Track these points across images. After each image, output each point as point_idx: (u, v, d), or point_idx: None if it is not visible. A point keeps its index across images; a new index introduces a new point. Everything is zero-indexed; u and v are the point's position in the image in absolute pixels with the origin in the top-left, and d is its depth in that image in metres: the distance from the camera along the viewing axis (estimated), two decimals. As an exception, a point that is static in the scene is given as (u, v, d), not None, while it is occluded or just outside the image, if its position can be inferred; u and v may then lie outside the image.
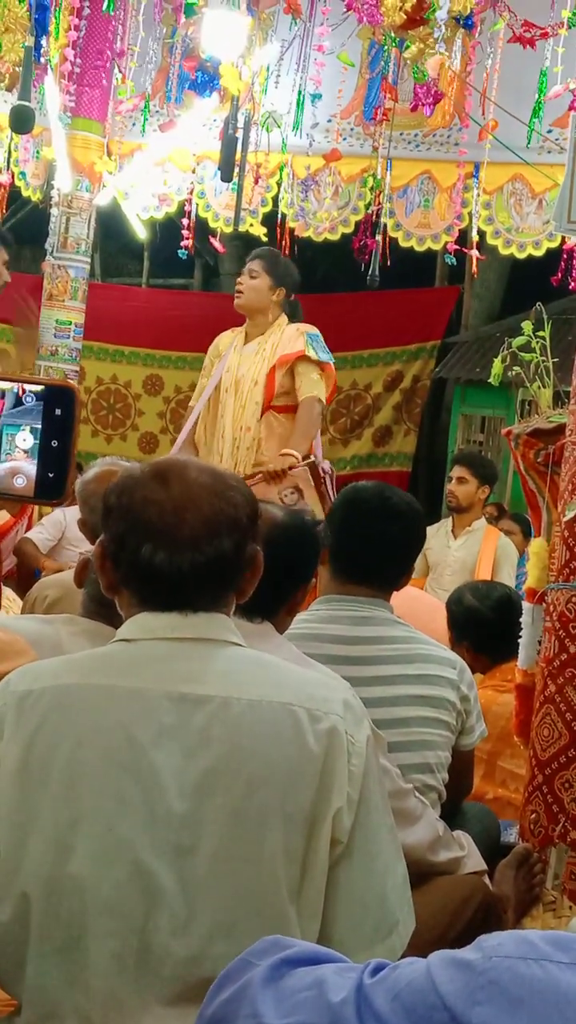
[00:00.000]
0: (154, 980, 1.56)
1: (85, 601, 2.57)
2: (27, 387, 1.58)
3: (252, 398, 5.35)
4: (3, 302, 5.16)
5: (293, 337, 5.36)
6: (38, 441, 1.56)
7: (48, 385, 1.59)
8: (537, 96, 5.80)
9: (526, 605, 3.05)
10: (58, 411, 1.57)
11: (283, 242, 7.12)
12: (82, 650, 2.16)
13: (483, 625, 3.71)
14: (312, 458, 5.24)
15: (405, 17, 5.18)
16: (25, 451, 1.57)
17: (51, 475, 1.57)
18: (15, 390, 1.58)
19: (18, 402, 1.58)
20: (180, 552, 1.66)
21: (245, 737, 1.62)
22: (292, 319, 5.49)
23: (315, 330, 5.41)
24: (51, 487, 1.58)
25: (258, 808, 1.59)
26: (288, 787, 1.61)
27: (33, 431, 1.57)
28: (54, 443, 1.57)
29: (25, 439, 1.57)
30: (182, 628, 1.69)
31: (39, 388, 1.58)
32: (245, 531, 1.72)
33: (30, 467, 1.57)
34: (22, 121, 5.40)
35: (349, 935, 1.65)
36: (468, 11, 5.35)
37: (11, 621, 2.70)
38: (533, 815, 2.76)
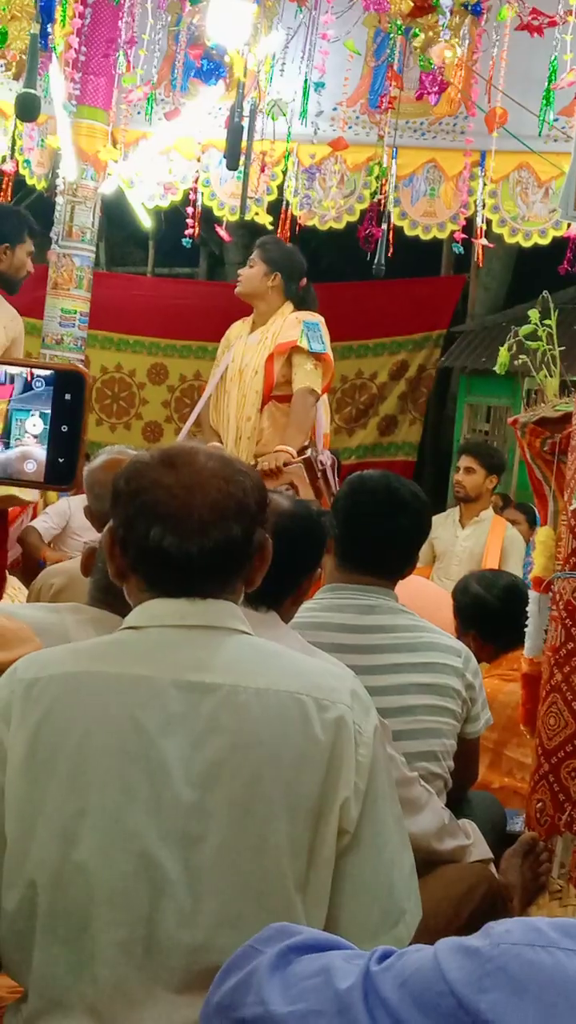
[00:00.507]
0: (160, 969, 1.56)
1: (91, 590, 2.57)
2: (37, 372, 1.57)
3: (253, 387, 5.35)
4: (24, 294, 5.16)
5: (291, 326, 5.33)
6: (47, 426, 1.56)
7: (58, 370, 1.58)
8: (547, 84, 5.77)
9: (532, 594, 3.05)
10: (67, 396, 1.57)
11: (288, 231, 7.10)
12: (88, 638, 2.16)
13: (489, 614, 3.70)
14: (308, 452, 5.16)
15: (412, 5, 5.17)
16: (35, 436, 1.56)
17: (61, 460, 1.57)
18: (23, 375, 1.57)
19: (27, 387, 1.57)
20: (189, 536, 1.65)
21: (252, 726, 1.62)
22: (302, 305, 5.42)
23: (316, 318, 5.35)
24: (61, 472, 1.57)
25: (265, 797, 1.59)
26: (295, 776, 1.61)
27: (43, 416, 1.56)
28: (64, 428, 1.56)
29: (35, 424, 1.56)
30: (190, 615, 1.69)
31: (48, 373, 1.57)
32: (254, 517, 1.72)
33: (40, 452, 1.56)
34: (27, 109, 5.39)
35: (355, 925, 1.65)
36: (475, -1, 5.34)
37: (18, 609, 2.70)
38: (539, 804, 2.76)
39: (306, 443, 5.24)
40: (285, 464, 5.00)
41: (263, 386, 5.33)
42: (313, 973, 1.16)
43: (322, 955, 1.19)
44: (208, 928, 1.56)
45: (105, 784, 1.58)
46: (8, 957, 1.64)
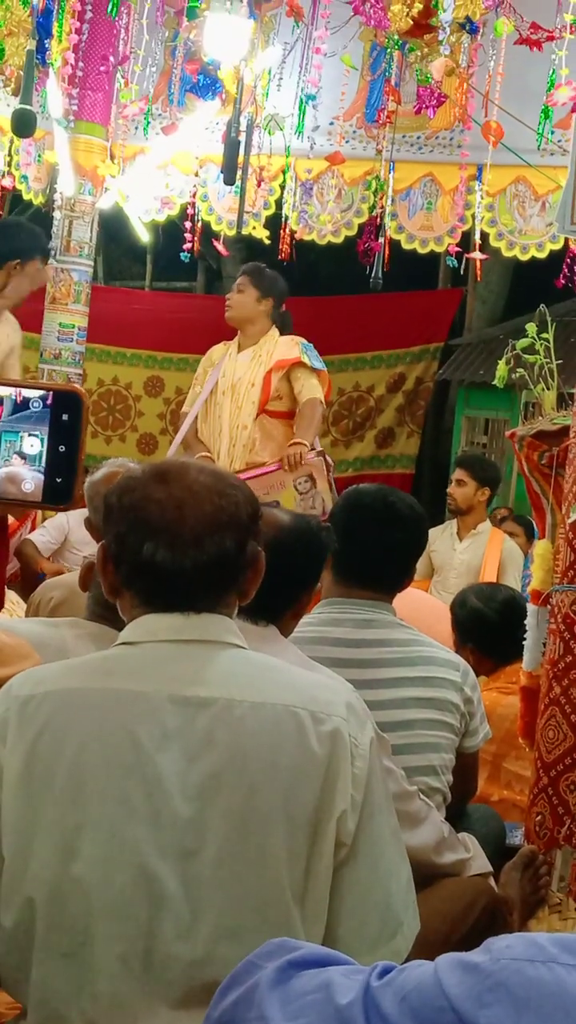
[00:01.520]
0: (160, 984, 1.56)
1: (90, 604, 2.57)
2: (34, 392, 1.57)
3: (249, 398, 5.70)
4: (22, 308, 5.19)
5: (288, 345, 5.74)
6: (44, 447, 1.56)
7: (55, 390, 1.58)
8: (545, 98, 5.78)
9: (531, 607, 3.05)
10: (65, 416, 1.57)
11: (287, 245, 7.13)
12: (87, 653, 2.16)
13: (487, 627, 3.70)
14: (321, 448, 5.63)
15: (412, 23, 5.19)
16: (23, 456, 1.56)
17: (59, 480, 1.57)
18: (13, 396, 1.57)
19: (16, 408, 1.57)
20: (182, 550, 1.66)
21: (248, 739, 1.62)
22: (283, 331, 5.84)
23: (307, 341, 5.78)
24: (60, 492, 1.58)
25: (261, 811, 1.59)
26: (291, 789, 1.61)
27: (31, 435, 1.56)
28: (61, 448, 1.56)
29: (33, 445, 1.56)
30: (185, 630, 1.69)
31: (45, 393, 1.57)
32: (247, 530, 1.72)
33: (29, 473, 1.56)
34: (23, 125, 5.40)
35: (353, 937, 1.65)
36: (476, 16, 5.36)
37: (16, 624, 2.70)
38: (538, 817, 2.75)
39: (319, 449, 5.65)
40: (301, 456, 5.42)
41: (259, 397, 5.68)
42: (313, 989, 1.15)
43: (322, 970, 1.19)
44: (207, 941, 1.56)
45: (102, 799, 1.58)
46: (7, 974, 1.64)
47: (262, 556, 1.78)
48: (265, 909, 1.58)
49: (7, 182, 7.35)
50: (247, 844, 1.59)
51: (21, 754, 1.62)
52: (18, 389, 1.58)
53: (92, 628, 2.50)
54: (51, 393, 1.58)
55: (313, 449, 5.56)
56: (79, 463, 1.57)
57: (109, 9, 5.79)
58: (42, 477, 1.56)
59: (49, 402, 1.57)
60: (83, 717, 1.63)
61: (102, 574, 1.76)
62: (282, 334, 5.80)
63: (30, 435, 1.56)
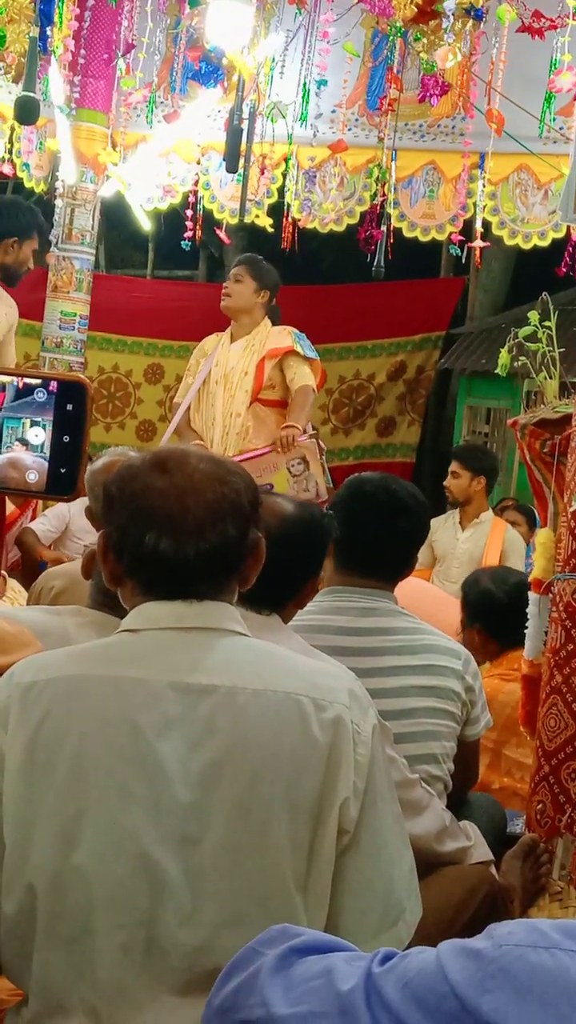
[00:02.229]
0: (161, 971, 1.56)
1: (92, 592, 2.57)
2: (37, 381, 1.57)
3: (242, 387, 5.88)
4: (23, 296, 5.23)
5: (281, 334, 5.91)
6: (49, 436, 1.56)
7: (60, 380, 1.58)
8: (548, 86, 5.76)
9: (532, 596, 3.05)
10: (70, 406, 1.57)
11: (290, 233, 7.11)
12: (89, 641, 2.17)
13: (496, 609, 3.72)
14: (314, 431, 5.83)
15: (416, 10, 5.17)
16: (26, 444, 1.56)
17: (63, 470, 1.57)
18: (15, 383, 1.57)
19: (19, 394, 1.57)
20: (185, 539, 1.66)
21: (250, 727, 1.62)
22: (274, 317, 6.02)
23: (299, 331, 5.96)
24: (63, 482, 1.58)
25: (263, 798, 1.60)
26: (294, 777, 1.61)
27: (34, 424, 1.56)
28: (66, 438, 1.56)
29: (37, 434, 1.56)
30: (187, 617, 1.69)
31: (51, 382, 1.57)
32: (248, 517, 1.72)
33: (31, 460, 1.56)
34: (26, 112, 5.39)
35: (356, 924, 1.66)
36: (480, 2, 5.34)
37: (18, 612, 2.70)
38: (539, 805, 2.76)
39: (311, 431, 5.80)
40: (294, 438, 5.56)
41: (253, 386, 5.85)
42: (315, 975, 1.16)
43: (324, 957, 1.19)
44: (208, 928, 1.57)
45: (103, 787, 1.58)
46: (8, 961, 1.64)
47: (262, 542, 1.78)
48: (267, 897, 1.59)
49: (7, 169, 7.32)
50: (249, 832, 1.59)
51: (23, 741, 1.62)
52: (20, 376, 1.58)
53: (94, 616, 2.50)
54: (56, 383, 1.58)
55: (305, 432, 5.68)
56: (83, 453, 1.58)
57: (110, -4, 5.77)
58: (46, 466, 1.56)
59: (53, 389, 1.57)
60: (84, 704, 1.63)
61: (103, 563, 1.76)
62: (272, 322, 5.97)
63: (34, 424, 1.56)
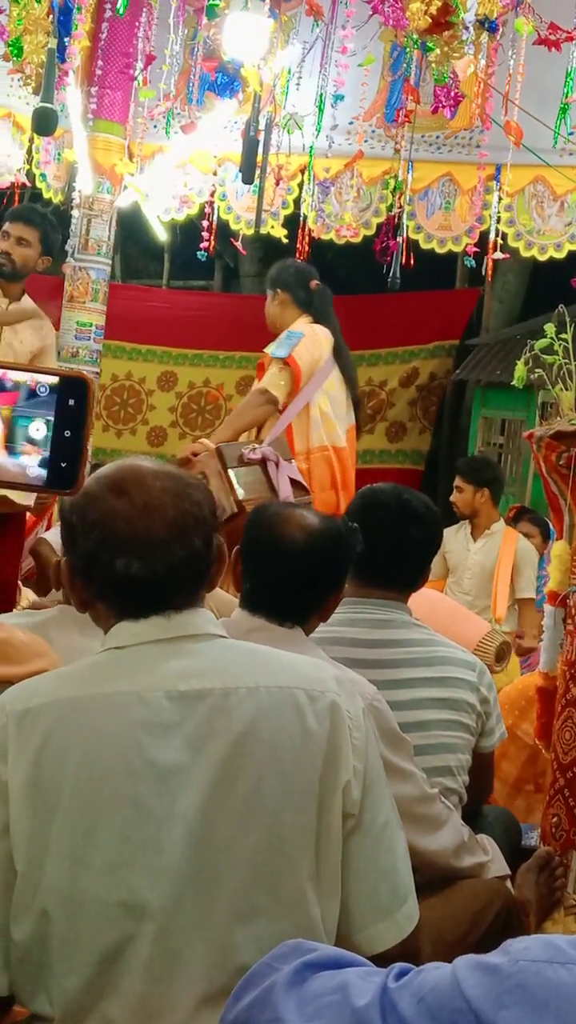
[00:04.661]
0: (182, 978, 1.56)
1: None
2: (41, 378, 1.59)
3: None
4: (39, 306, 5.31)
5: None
6: (51, 432, 1.58)
7: (62, 376, 1.60)
8: (563, 98, 5.77)
9: (548, 608, 3.04)
10: (72, 401, 1.58)
11: (306, 244, 7.12)
12: (69, 639, 2.19)
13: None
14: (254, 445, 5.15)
15: (431, 21, 5.17)
16: (31, 441, 1.58)
17: (64, 465, 1.58)
18: (28, 383, 1.59)
19: (31, 394, 1.59)
20: (155, 558, 1.67)
21: (248, 724, 1.64)
22: (312, 308, 5.57)
23: (302, 328, 5.49)
24: (64, 477, 1.59)
25: (269, 792, 1.62)
26: (297, 768, 1.63)
27: (46, 422, 1.58)
28: (67, 433, 1.58)
29: (39, 429, 1.58)
30: (169, 629, 1.71)
31: (53, 379, 1.59)
32: (211, 526, 1.75)
33: (42, 457, 1.58)
34: (44, 123, 5.40)
35: (368, 905, 1.69)
36: (494, 15, 5.34)
37: (5, 619, 2.70)
38: (555, 819, 2.75)
39: (252, 443, 5.16)
40: (193, 454, 4.96)
41: None
42: (330, 990, 1.15)
43: (339, 972, 1.19)
44: (224, 926, 1.57)
45: (112, 803, 1.59)
46: (22, 984, 1.63)
47: (224, 546, 1.80)
48: (280, 889, 1.60)
49: (20, 178, 7.34)
50: (258, 827, 1.61)
51: (25, 769, 1.62)
52: (33, 376, 1.59)
53: (76, 614, 2.51)
54: (58, 379, 1.59)
55: (254, 444, 5.14)
56: (84, 449, 1.59)
57: (117, 8, 5.78)
58: (47, 461, 1.58)
59: (55, 384, 1.59)
60: (83, 725, 1.63)
61: (71, 591, 1.77)
62: (319, 313, 5.59)
63: (37, 420, 1.58)
